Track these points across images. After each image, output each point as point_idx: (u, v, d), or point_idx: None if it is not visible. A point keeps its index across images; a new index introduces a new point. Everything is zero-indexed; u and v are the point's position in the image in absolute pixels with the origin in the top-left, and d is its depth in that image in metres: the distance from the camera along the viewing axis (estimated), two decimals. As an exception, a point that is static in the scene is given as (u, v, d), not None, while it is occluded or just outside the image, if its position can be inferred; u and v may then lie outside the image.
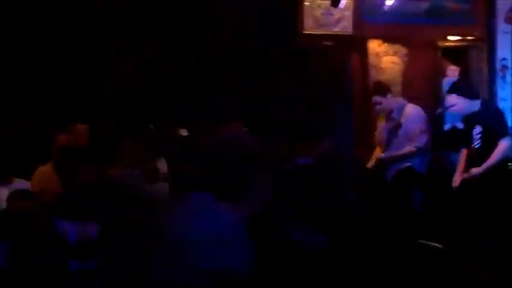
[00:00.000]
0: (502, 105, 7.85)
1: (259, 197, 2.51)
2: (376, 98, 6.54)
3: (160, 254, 2.29)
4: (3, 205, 4.47)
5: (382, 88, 6.63)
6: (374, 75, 7.66)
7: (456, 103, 5.90)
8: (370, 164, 6.69)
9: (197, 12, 7.95)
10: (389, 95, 6.54)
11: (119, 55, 7.79)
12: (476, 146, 5.80)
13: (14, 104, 7.30)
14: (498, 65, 7.87)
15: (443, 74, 7.71)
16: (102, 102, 7.65)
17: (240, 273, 2.26)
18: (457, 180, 5.85)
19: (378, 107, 6.56)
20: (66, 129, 5.64)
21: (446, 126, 7.71)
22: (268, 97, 7.69)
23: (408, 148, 6.39)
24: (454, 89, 6.01)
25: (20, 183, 5.15)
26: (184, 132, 6.88)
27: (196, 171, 2.40)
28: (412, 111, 6.51)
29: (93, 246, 3.93)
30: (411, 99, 7.47)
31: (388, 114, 6.56)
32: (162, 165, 5.26)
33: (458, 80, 6.96)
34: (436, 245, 4.70)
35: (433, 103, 7.63)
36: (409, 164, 6.33)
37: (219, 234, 2.25)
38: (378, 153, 6.67)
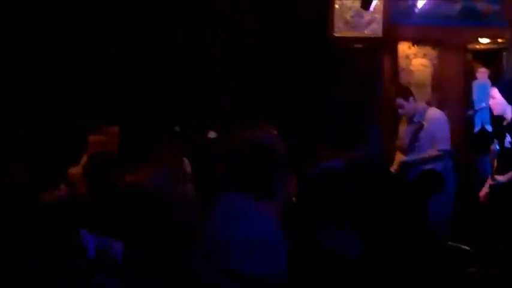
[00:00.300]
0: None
1: (286, 199, 2.56)
2: (399, 101, 6.54)
3: (203, 256, 2.32)
4: None
5: (405, 91, 6.63)
6: (404, 78, 7.67)
7: (495, 101, 5.86)
8: (393, 168, 6.69)
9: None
10: (411, 99, 6.54)
11: (118, 55, 7.78)
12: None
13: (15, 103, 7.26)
14: (528, 68, 7.85)
15: (473, 77, 7.71)
16: (101, 102, 7.64)
17: (277, 276, 2.30)
18: (486, 185, 5.84)
19: (400, 110, 6.56)
20: (99, 131, 5.59)
21: (476, 128, 7.74)
22: (297, 100, 7.73)
23: (431, 151, 6.39)
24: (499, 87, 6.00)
25: None
26: (212, 135, 6.94)
27: (231, 172, 2.44)
28: (434, 114, 6.49)
29: (114, 265, 3.66)
30: (441, 102, 7.50)
31: (411, 118, 6.56)
32: (187, 167, 5.33)
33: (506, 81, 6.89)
34: (465, 247, 4.72)
35: (462, 106, 7.64)
36: (431, 167, 6.32)
37: (260, 235, 2.28)
38: (400, 157, 6.67)
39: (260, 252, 2.27)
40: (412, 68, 7.72)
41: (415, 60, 7.74)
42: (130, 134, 6.16)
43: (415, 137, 6.43)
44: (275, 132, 6.79)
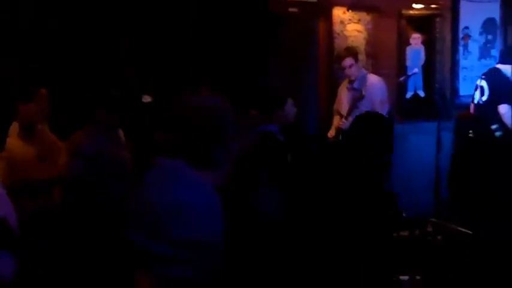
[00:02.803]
0: (464, 74, 7.96)
1: (225, 167, 2.51)
2: (349, 60, 6.55)
3: (136, 224, 2.28)
4: None
5: (355, 52, 6.67)
6: (339, 43, 7.68)
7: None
8: (330, 132, 6.73)
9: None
10: (359, 62, 6.59)
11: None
12: None
13: None
14: (461, 34, 7.95)
15: (407, 43, 7.78)
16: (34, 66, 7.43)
17: (213, 239, 2.28)
18: None
19: (347, 70, 6.57)
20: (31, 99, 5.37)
21: (409, 94, 7.83)
22: (237, 64, 7.65)
23: None
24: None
25: None
26: (147, 99, 6.82)
27: (169, 139, 2.38)
28: (374, 81, 6.54)
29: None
30: (375, 67, 7.56)
31: (351, 83, 6.60)
32: (121, 134, 5.24)
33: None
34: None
35: (396, 71, 7.70)
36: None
37: (194, 199, 2.25)
38: (337, 121, 6.70)
39: (193, 216, 2.23)
40: (346, 33, 7.72)
41: (349, 25, 7.74)
42: (66, 98, 6.04)
43: (354, 103, 6.47)
44: (218, 97, 6.73)
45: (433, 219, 4.78)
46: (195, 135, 2.35)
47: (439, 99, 7.56)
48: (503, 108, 6.19)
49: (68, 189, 4.68)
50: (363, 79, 6.50)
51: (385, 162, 3.83)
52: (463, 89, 7.94)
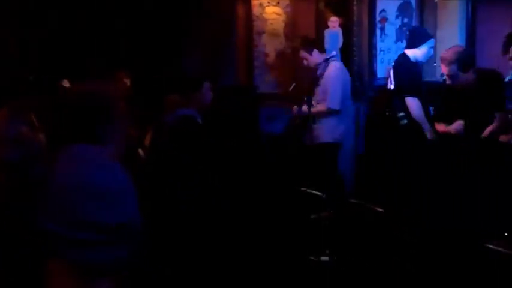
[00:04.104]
0: (381, 56, 8.07)
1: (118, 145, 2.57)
2: (302, 54, 6.59)
3: (48, 209, 2.25)
4: None
5: (308, 44, 6.67)
6: (258, 26, 7.67)
7: None
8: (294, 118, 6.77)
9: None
10: (315, 51, 6.58)
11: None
12: None
13: None
14: (378, 17, 8.05)
15: (325, 26, 7.82)
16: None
17: (132, 225, 2.28)
18: None
19: (304, 62, 6.61)
20: None
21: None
22: (154, 49, 7.56)
23: (320, 106, 6.48)
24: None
25: None
26: (66, 83, 6.71)
27: (68, 124, 2.49)
28: (330, 70, 6.54)
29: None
30: (294, 50, 7.58)
31: (314, 70, 6.62)
32: (34, 118, 5.10)
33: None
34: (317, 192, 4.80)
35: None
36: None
37: (104, 182, 2.27)
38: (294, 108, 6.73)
39: (105, 198, 2.23)
40: (265, 16, 7.72)
41: (268, 8, 7.75)
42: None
43: (312, 89, 6.51)
44: (126, 81, 6.65)
45: (353, 200, 4.83)
46: (78, 116, 2.47)
47: (357, 81, 7.64)
48: (409, 101, 6.22)
49: None
50: (325, 66, 6.52)
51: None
52: (381, 72, 8.04)
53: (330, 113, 6.48)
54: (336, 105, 6.46)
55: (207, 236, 4.41)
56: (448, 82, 5.91)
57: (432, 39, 6.54)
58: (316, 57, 6.57)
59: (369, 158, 7.00)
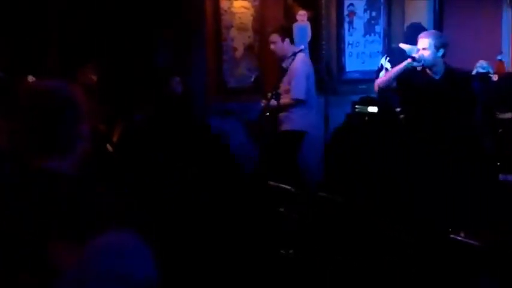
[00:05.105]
0: (349, 50, 8.10)
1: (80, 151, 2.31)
2: (273, 37, 6.59)
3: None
4: None
5: (284, 32, 6.67)
6: (226, 20, 7.64)
7: None
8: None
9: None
10: (287, 40, 6.58)
11: None
12: None
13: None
14: (346, 11, 8.07)
15: (294, 19, 7.82)
16: None
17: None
18: None
19: (272, 45, 6.60)
20: None
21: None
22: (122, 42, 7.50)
23: (286, 98, 6.49)
24: None
25: None
26: (31, 79, 6.64)
27: (13, 127, 2.25)
28: (295, 63, 6.54)
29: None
30: (262, 44, 7.57)
31: (281, 61, 6.63)
32: None
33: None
34: (286, 186, 4.80)
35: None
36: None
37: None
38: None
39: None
40: (233, 10, 7.69)
41: (236, 2, 7.71)
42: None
43: (278, 82, 6.51)
44: (93, 77, 6.59)
45: (321, 194, 4.83)
46: (33, 119, 2.20)
47: (325, 75, 7.66)
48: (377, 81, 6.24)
49: None
50: (290, 59, 6.52)
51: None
52: (349, 65, 8.08)
53: (296, 103, 6.50)
54: (301, 95, 6.48)
55: (189, 232, 4.39)
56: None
57: None
58: (286, 47, 6.58)
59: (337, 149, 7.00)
